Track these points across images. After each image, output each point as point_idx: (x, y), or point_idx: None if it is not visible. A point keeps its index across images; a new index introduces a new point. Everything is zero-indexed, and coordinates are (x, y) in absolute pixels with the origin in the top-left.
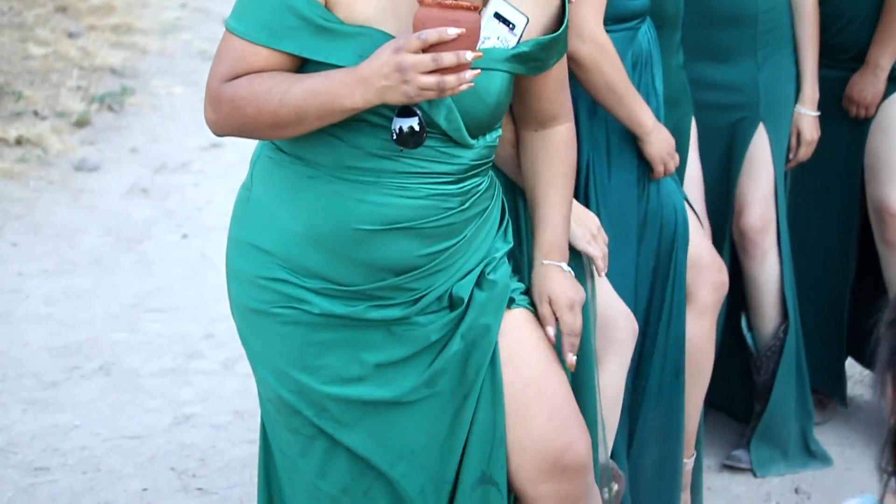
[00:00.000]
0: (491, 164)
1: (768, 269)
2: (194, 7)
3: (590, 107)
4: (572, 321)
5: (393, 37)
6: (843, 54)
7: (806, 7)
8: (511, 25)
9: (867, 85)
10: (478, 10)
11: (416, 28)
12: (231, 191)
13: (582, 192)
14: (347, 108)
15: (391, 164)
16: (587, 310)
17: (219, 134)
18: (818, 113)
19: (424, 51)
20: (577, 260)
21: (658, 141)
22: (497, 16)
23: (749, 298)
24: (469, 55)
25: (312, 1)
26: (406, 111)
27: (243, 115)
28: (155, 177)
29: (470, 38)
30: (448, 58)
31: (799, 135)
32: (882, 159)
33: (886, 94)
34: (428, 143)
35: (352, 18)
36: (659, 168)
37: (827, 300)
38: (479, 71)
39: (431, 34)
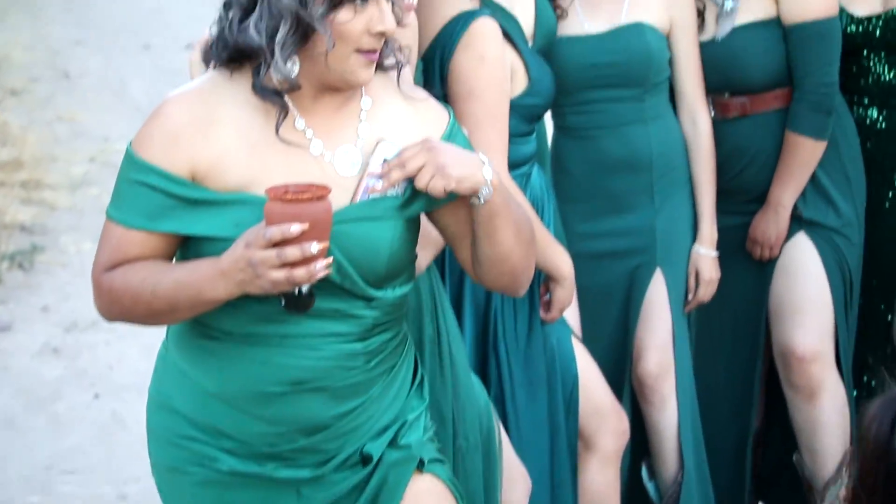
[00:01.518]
0: (400, 318)
1: (668, 416)
2: (103, 161)
3: None
4: None
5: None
6: (745, 195)
7: (701, 147)
8: None
9: (770, 225)
10: (324, 197)
11: (266, 220)
12: (142, 348)
13: (491, 344)
14: (214, 300)
15: (293, 327)
16: (495, 466)
17: (108, 319)
18: (717, 253)
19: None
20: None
21: (570, 286)
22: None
23: (651, 445)
24: (315, 247)
25: (178, 179)
26: None
27: (121, 305)
28: (66, 336)
29: (317, 229)
30: (292, 253)
31: (698, 275)
32: (786, 302)
33: (789, 235)
34: (329, 302)
35: (223, 186)
36: (556, 314)
37: (732, 445)
38: (331, 260)
39: (274, 232)
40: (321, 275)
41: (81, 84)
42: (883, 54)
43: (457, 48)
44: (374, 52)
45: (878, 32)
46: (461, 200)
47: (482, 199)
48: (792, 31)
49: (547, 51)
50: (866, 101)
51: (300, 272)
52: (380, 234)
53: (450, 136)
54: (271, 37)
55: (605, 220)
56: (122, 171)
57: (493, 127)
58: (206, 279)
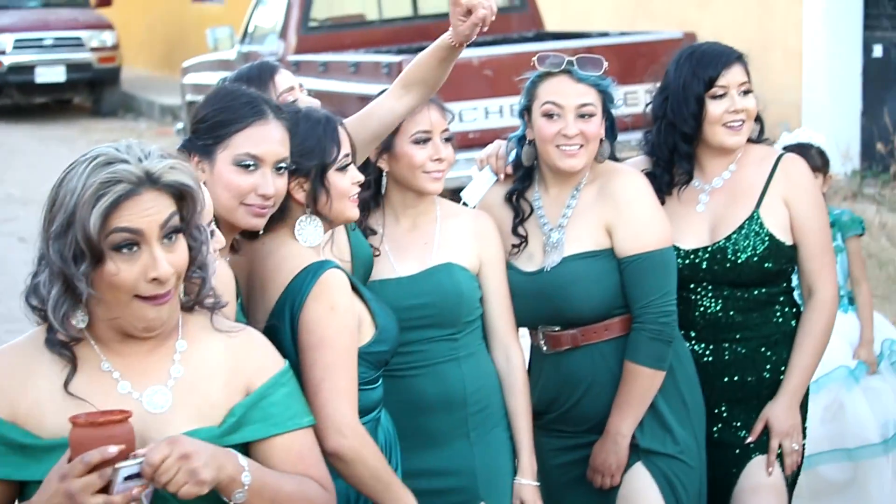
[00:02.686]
0: None
1: None
2: None
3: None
4: None
5: None
6: (583, 425)
7: (517, 382)
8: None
9: (609, 454)
10: (128, 417)
11: (73, 449)
12: None
13: None
14: None
15: None
16: None
17: None
18: (538, 483)
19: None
20: None
21: None
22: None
23: None
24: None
25: (5, 423)
26: None
27: None
28: None
29: (130, 449)
30: (109, 472)
31: None
32: None
33: (628, 464)
34: None
35: (44, 431)
36: None
37: None
38: (145, 484)
39: (94, 455)
40: (137, 496)
41: None
42: (709, 287)
43: (307, 299)
44: (155, 298)
45: (703, 265)
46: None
47: (232, 501)
48: (628, 262)
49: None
50: (693, 334)
51: (117, 499)
52: None
53: (274, 385)
54: (48, 294)
55: (422, 457)
56: None
57: (345, 375)
58: None
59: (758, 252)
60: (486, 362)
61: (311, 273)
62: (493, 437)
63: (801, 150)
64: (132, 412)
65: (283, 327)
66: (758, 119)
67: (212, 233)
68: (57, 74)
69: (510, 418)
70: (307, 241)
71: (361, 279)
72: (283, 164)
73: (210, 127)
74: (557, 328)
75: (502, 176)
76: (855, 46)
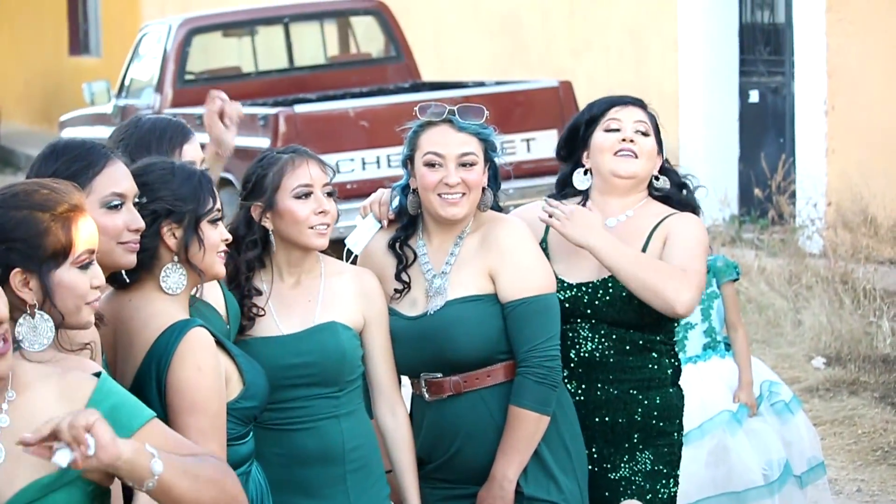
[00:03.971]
0: None
1: None
2: None
3: None
4: None
5: None
6: (464, 476)
7: (403, 437)
8: None
9: (496, 500)
10: None
11: None
12: None
13: None
14: None
15: None
16: None
17: None
18: None
19: None
20: None
21: None
22: None
23: None
24: None
25: None
26: None
27: None
28: None
29: None
30: None
31: None
32: None
33: None
34: None
35: None
36: None
37: None
38: None
39: None
40: None
41: None
42: (588, 325)
43: (173, 360)
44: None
45: (585, 298)
46: None
47: (143, 489)
48: (513, 307)
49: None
50: (566, 372)
51: None
52: None
53: (96, 402)
54: None
55: None
56: None
57: (217, 438)
58: None
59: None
60: (365, 420)
61: (177, 331)
62: (371, 495)
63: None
64: None
65: (150, 386)
66: (676, 177)
67: (88, 265)
68: None
69: (396, 474)
70: (171, 288)
71: (235, 330)
72: (137, 199)
73: (68, 178)
74: (440, 375)
75: (385, 223)
76: (731, 92)
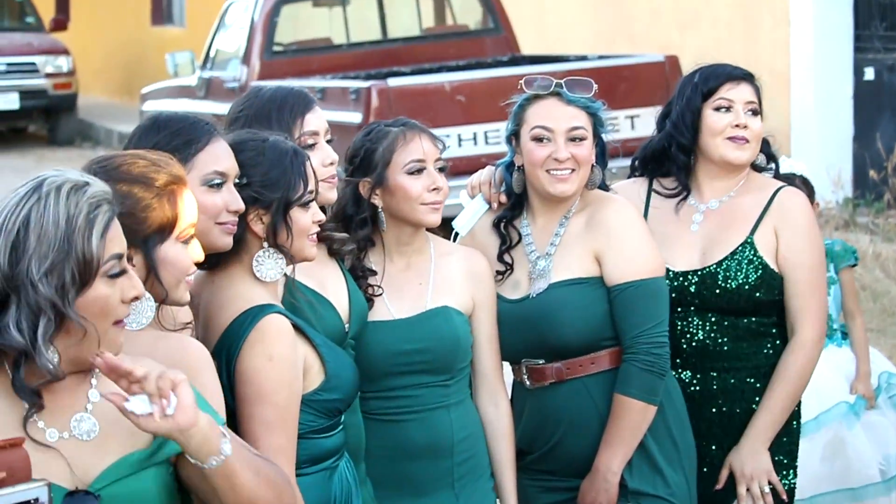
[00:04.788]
0: None
1: None
2: None
3: None
4: None
5: None
6: (566, 469)
7: (504, 428)
8: None
9: (599, 493)
10: (19, 444)
11: None
12: None
13: None
14: None
15: None
16: None
17: None
18: None
19: None
20: None
21: None
22: None
23: None
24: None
25: None
26: None
27: None
28: None
29: (18, 475)
30: None
31: None
32: None
33: None
34: None
35: None
36: None
37: None
38: None
39: None
40: None
41: None
42: (697, 313)
43: (244, 346)
44: (122, 321)
45: (692, 288)
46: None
47: (206, 466)
48: (619, 291)
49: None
50: (679, 361)
51: None
52: (149, 486)
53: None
54: (34, 332)
55: None
56: None
57: (284, 431)
58: None
59: (750, 280)
60: (472, 410)
61: (251, 318)
62: (477, 488)
63: (783, 181)
64: (23, 438)
65: (221, 372)
66: (767, 147)
67: (190, 240)
68: (10, 102)
69: (494, 466)
70: (266, 276)
71: (357, 326)
72: (237, 179)
73: (169, 153)
74: (542, 361)
75: (495, 205)
76: (845, 69)
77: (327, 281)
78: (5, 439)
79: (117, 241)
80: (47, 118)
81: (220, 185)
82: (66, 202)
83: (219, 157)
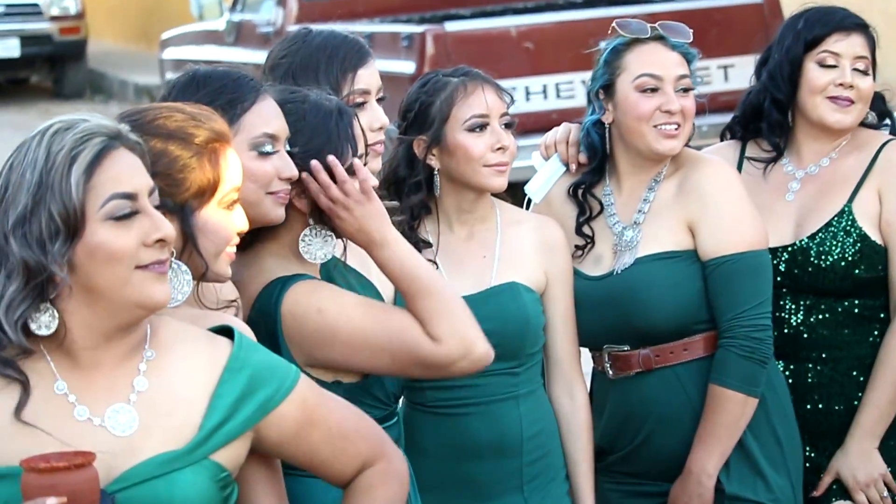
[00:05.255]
0: None
1: None
2: None
3: None
4: None
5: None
6: (652, 471)
7: (580, 423)
8: None
9: (692, 498)
10: (86, 465)
11: (23, 495)
12: None
13: None
14: None
15: None
16: None
17: None
18: None
19: None
20: None
21: None
22: None
23: None
24: None
25: None
26: None
27: None
28: None
29: (79, 501)
30: None
31: None
32: None
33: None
34: None
35: None
36: None
37: None
38: None
39: None
40: None
41: None
42: (790, 295)
43: (280, 320)
44: (159, 264)
45: (782, 267)
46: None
47: None
48: (715, 265)
49: None
50: None
51: None
52: (179, 492)
53: (233, 371)
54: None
55: None
56: None
57: (386, 327)
58: None
59: (847, 255)
60: (545, 403)
61: (278, 288)
62: (549, 492)
63: None
64: (93, 456)
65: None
66: (881, 104)
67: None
68: (10, 49)
69: (570, 466)
70: (316, 257)
71: None
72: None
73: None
74: (627, 347)
75: (573, 167)
76: None
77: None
78: (70, 456)
79: (123, 177)
80: (52, 68)
81: (270, 151)
82: (49, 141)
83: (268, 117)
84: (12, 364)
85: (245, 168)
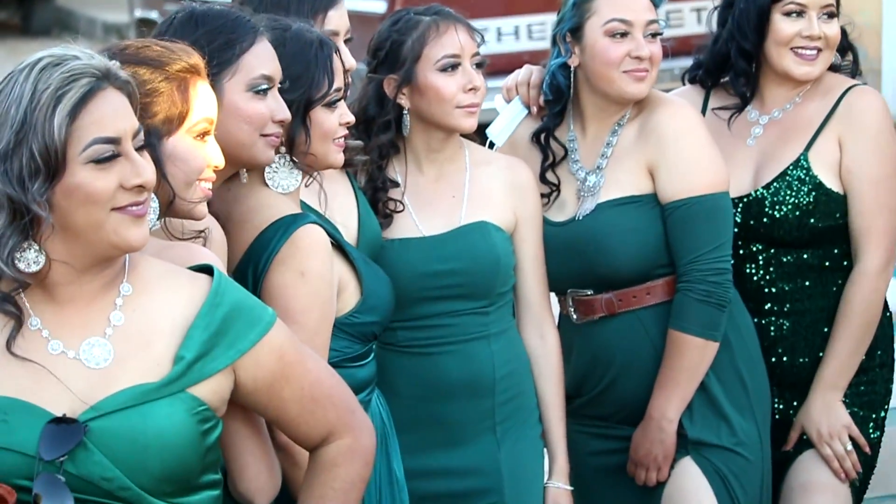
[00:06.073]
0: None
1: None
2: None
3: None
4: None
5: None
6: (618, 414)
7: (550, 364)
8: None
9: (654, 444)
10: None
11: None
12: None
13: None
14: None
15: None
16: None
17: None
18: (572, 487)
19: None
20: None
21: None
22: None
23: None
24: None
25: None
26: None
27: None
28: None
29: None
30: None
31: None
32: None
33: (676, 458)
34: None
35: None
36: None
37: None
38: None
39: None
40: None
41: None
42: (748, 247)
43: (274, 260)
44: (136, 205)
45: (738, 218)
46: (272, 380)
47: None
48: (673, 208)
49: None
50: None
51: None
52: (152, 422)
53: (210, 307)
54: None
55: (439, 454)
56: None
57: None
58: None
59: (801, 204)
60: (517, 344)
61: (283, 228)
62: (522, 434)
63: None
64: (13, 494)
65: (246, 287)
66: (849, 49)
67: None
68: None
69: (542, 408)
70: (279, 187)
71: (367, 253)
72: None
73: (209, 54)
74: (590, 292)
75: (535, 109)
76: None
77: (334, 198)
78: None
79: (107, 121)
80: (20, 4)
81: (265, 91)
82: (36, 77)
83: (265, 59)
84: (10, 299)
85: (241, 109)
